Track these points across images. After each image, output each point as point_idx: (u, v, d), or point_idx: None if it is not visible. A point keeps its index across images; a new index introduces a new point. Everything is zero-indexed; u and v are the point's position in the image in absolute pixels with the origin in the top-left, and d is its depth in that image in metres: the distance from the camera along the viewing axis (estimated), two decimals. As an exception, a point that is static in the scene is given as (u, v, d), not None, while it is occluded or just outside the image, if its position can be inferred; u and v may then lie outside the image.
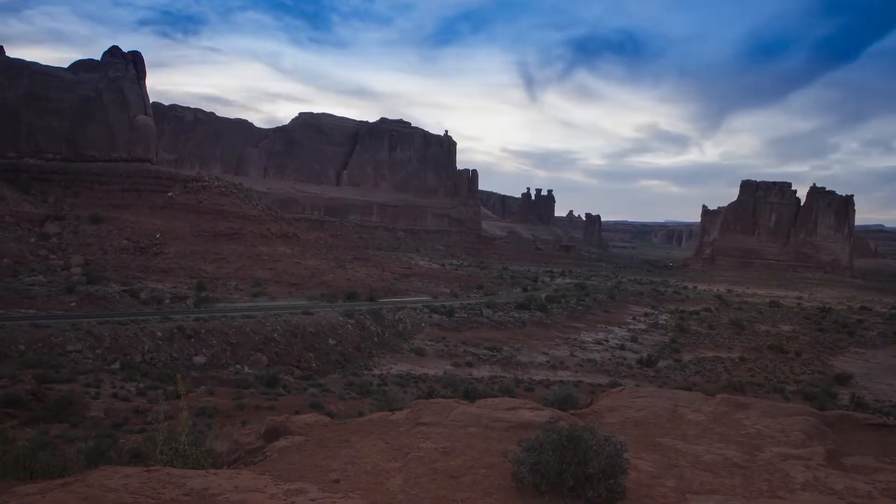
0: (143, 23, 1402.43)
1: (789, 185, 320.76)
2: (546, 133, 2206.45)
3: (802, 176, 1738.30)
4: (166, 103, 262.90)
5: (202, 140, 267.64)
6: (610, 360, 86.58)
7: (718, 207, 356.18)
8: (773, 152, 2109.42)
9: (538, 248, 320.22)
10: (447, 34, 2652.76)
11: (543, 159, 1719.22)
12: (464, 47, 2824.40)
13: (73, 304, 75.79)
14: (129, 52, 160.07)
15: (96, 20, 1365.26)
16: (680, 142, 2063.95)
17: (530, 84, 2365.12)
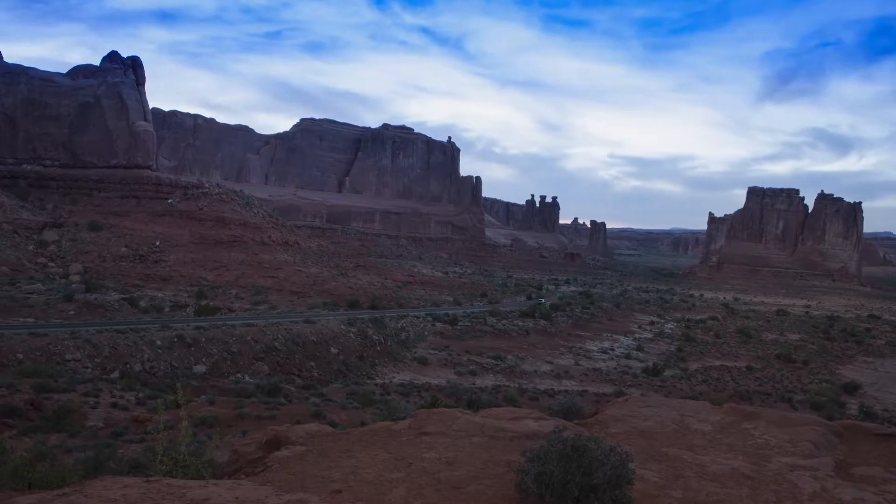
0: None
1: (797, 191, 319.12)
2: (696, 137, 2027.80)
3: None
4: (165, 109, 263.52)
5: (203, 146, 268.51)
6: (615, 369, 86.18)
7: (725, 215, 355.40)
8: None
9: (542, 256, 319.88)
10: (712, 15, 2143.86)
11: (649, 165, 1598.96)
12: (722, 32, 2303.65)
13: (71, 312, 75.71)
14: (128, 58, 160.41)
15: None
16: (844, 147, 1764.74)
17: (769, 79, 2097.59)
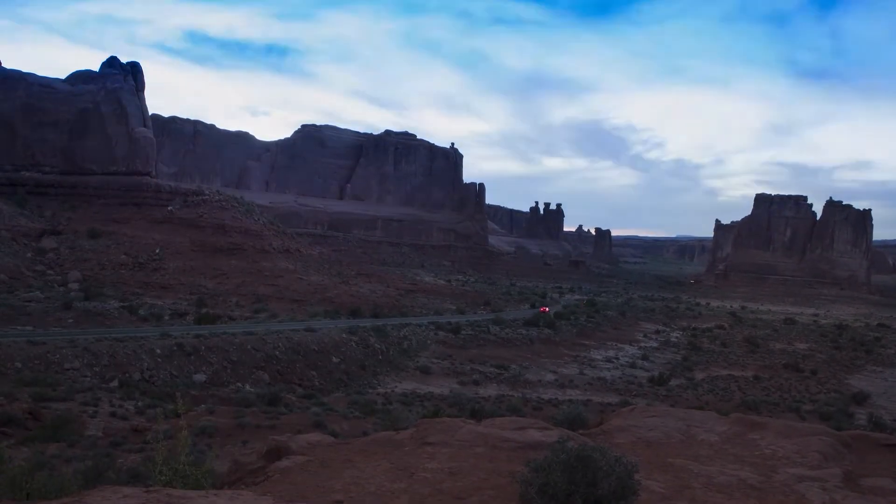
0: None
1: (805, 198, 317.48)
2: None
3: None
4: (165, 115, 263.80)
5: (203, 153, 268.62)
6: (620, 378, 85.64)
7: (732, 222, 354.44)
8: None
9: (547, 264, 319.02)
10: None
11: (803, 174, 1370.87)
12: None
13: (70, 320, 75.56)
14: (127, 63, 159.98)
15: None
16: None
17: None
